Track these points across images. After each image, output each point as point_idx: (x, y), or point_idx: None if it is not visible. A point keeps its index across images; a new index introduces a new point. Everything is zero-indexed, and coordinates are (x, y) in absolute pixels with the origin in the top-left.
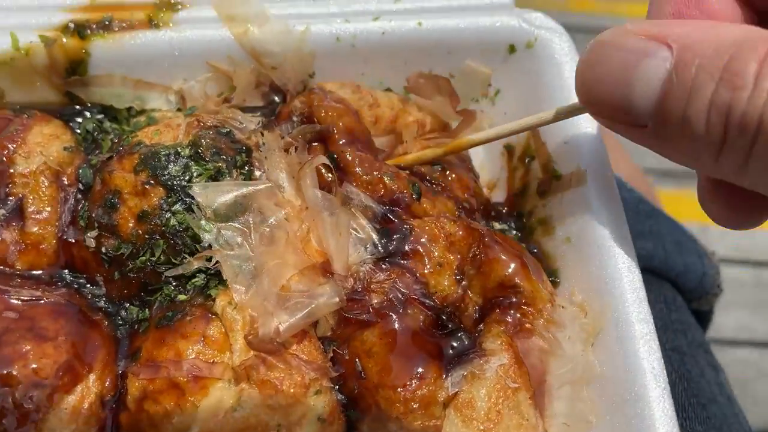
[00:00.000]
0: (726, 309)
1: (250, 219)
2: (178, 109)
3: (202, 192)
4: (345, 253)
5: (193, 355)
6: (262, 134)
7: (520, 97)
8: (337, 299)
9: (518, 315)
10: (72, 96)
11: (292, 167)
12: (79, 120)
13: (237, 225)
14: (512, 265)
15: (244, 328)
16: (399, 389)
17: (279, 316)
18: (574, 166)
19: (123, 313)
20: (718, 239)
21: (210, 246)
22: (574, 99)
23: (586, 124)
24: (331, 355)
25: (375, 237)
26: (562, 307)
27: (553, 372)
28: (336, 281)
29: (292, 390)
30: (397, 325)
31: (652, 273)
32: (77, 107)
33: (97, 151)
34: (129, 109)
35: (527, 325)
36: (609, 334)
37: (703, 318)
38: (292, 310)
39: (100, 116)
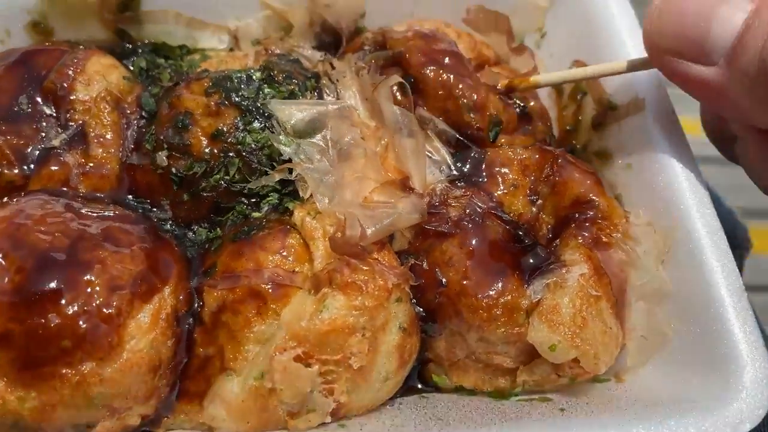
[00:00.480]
0: None
1: (328, 136)
2: (231, 49)
3: (280, 107)
4: (423, 170)
5: (273, 266)
6: (331, 64)
7: (568, 41)
8: (419, 213)
9: (595, 229)
10: (123, 34)
11: (365, 89)
12: (132, 59)
13: (316, 141)
14: (587, 182)
15: (325, 236)
16: (481, 296)
17: (364, 222)
18: (631, 96)
19: (191, 235)
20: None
21: (290, 160)
22: (626, 47)
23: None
24: (410, 266)
25: (449, 160)
26: (636, 225)
27: (632, 283)
28: (416, 196)
29: (376, 292)
30: (476, 236)
31: None
32: (128, 46)
33: (157, 83)
34: (181, 48)
35: (605, 239)
36: (679, 249)
37: None
38: (376, 218)
39: (151, 54)
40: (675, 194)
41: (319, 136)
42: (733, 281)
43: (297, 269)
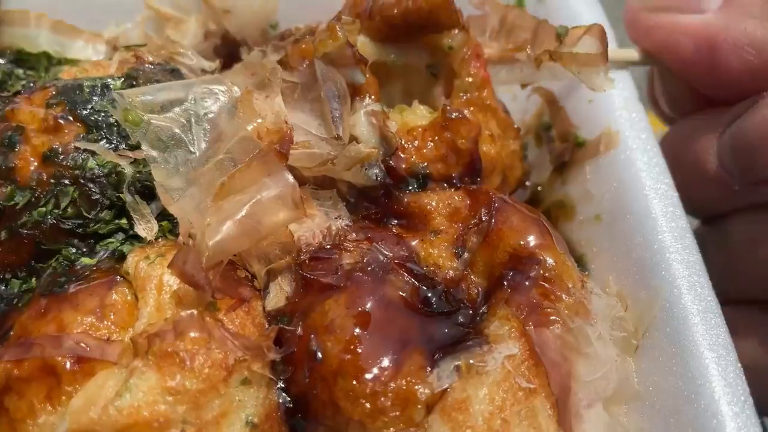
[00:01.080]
0: None
1: (192, 109)
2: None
3: (131, 90)
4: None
5: (81, 331)
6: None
7: None
8: (288, 184)
9: (535, 294)
10: None
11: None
12: None
13: (173, 115)
14: (530, 231)
15: (161, 288)
16: (366, 378)
17: (213, 223)
18: (602, 128)
19: (1, 288)
20: None
21: (139, 147)
22: None
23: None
24: (276, 333)
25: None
26: (596, 294)
27: (579, 378)
28: (288, 170)
29: (206, 370)
30: (371, 293)
31: None
32: None
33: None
34: (48, 57)
35: (547, 309)
36: (659, 334)
37: None
38: (222, 216)
39: (11, 65)
40: (655, 256)
41: (178, 109)
42: (734, 382)
43: (116, 336)
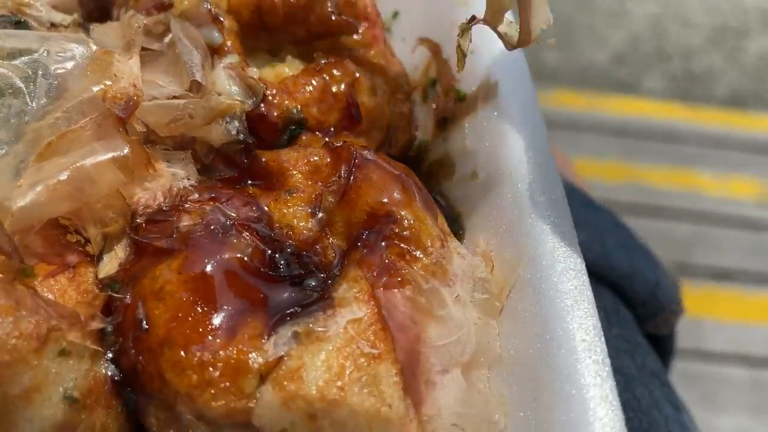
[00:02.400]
0: (722, 412)
1: (42, 60)
2: None
3: None
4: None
5: None
6: (84, 28)
7: (422, 18)
8: (119, 149)
9: (389, 254)
10: None
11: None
12: None
13: (18, 64)
14: (389, 187)
15: None
16: (193, 347)
17: (28, 185)
18: (482, 80)
19: None
20: (712, 332)
21: None
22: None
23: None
24: (106, 300)
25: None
26: (458, 254)
27: (431, 342)
28: (130, 135)
29: (12, 341)
30: (207, 256)
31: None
32: None
33: None
34: None
35: (400, 268)
36: (522, 295)
37: (662, 347)
38: (40, 177)
39: None
40: (524, 216)
41: (25, 58)
42: (596, 347)
43: None
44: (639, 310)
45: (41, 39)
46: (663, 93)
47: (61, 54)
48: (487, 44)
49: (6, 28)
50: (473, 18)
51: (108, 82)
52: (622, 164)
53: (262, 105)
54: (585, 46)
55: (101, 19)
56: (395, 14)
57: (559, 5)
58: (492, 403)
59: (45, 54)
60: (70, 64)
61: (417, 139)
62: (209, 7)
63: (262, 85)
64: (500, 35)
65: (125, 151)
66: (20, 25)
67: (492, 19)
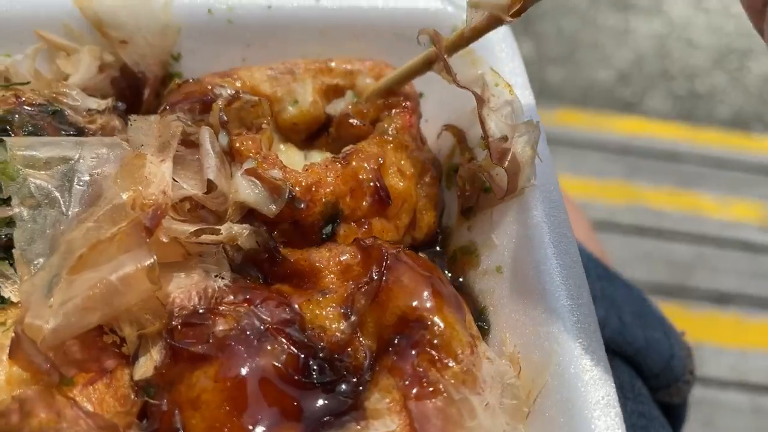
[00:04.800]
0: None
1: (75, 167)
2: None
3: (16, 139)
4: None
5: None
6: (125, 119)
7: (445, 101)
8: (145, 261)
9: (420, 361)
10: None
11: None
12: None
13: (54, 173)
14: (419, 291)
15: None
16: None
17: (58, 303)
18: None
19: None
20: (712, 358)
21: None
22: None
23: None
24: (140, 407)
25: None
26: (487, 359)
27: None
28: (151, 243)
29: None
30: (243, 363)
31: None
32: None
33: None
34: None
35: (431, 378)
36: (550, 401)
37: (675, 415)
38: (72, 293)
39: None
40: (551, 317)
41: (61, 168)
42: None
43: None
44: (653, 381)
45: (76, 145)
46: (666, 113)
47: (95, 158)
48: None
49: (41, 117)
50: (471, 160)
51: (139, 188)
52: (624, 184)
53: (301, 203)
54: (589, 65)
55: (133, 99)
56: (420, 95)
57: (564, 23)
58: None
59: (80, 161)
60: (104, 169)
61: (442, 224)
62: (223, 115)
63: (287, 183)
64: (491, 179)
65: (151, 261)
66: (57, 114)
67: (486, 167)
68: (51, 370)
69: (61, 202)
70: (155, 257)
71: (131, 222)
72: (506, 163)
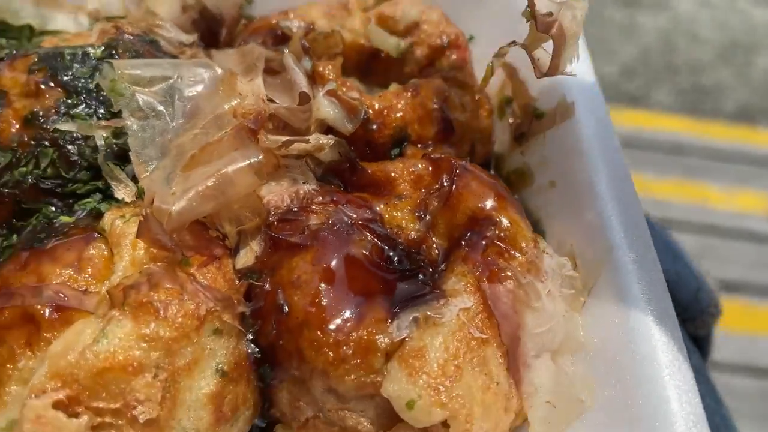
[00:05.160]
0: None
1: (175, 85)
2: None
3: (122, 60)
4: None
5: (60, 282)
6: (206, 53)
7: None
8: (255, 156)
9: (490, 252)
10: None
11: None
12: None
13: (156, 89)
14: (487, 194)
15: (136, 244)
16: (329, 329)
17: (179, 192)
18: (558, 99)
19: None
20: (720, 343)
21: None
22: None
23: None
24: (246, 287)
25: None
26: (547, 254)
27: (528, 330)
28: (255, 144)
29: (179, 319)
30: (335, 250)
31: None
32: None
33: None
34: (30, 29)
35: (501, 265)
36: (604, 290)
37: (699, 347)
38: (190, 183)
39: None
40: (604, 220)
41: (163, 85)
42: (671, 333)
43: (93, 288)
44: (682, 313)
45: (174, 66)
46: (672, 107)
47: (191, 78)
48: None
49: (140, 45)
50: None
51: (236, 100)
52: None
53: (374, 125)
54: (595, 59)
55: (210, 39)
56: (471, 38)
57: None
58: (577, 385)
59: (179, 80)
60: (200, 87)
61: (494, 152)
62: (305, 43)
63: (364, 105)
64: (533, 60)
65: (260, 157)
66: (153, 43)
67: (530, 46)
68: (175, 248)
69: (166, 115)
70: (263, 154)
71: (237, 126)
72: (553, 31)
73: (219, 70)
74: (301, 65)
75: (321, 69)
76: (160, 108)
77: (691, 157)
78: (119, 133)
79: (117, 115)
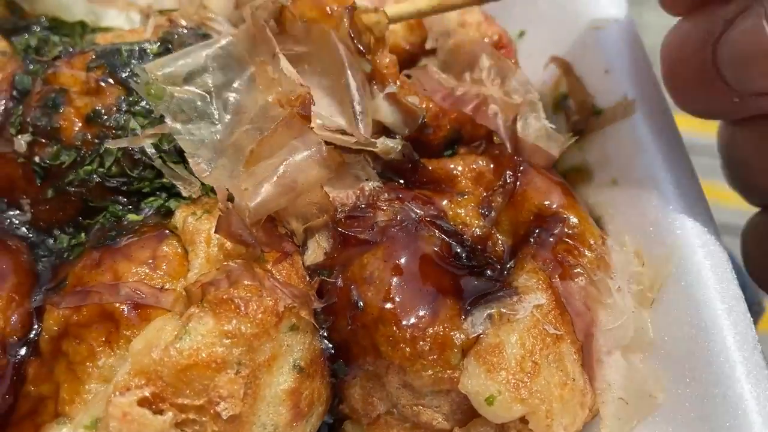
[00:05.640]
0: None
1: (210, 81)
2: None
3: (152, 63)
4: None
5: (137, 280)
6: None
7: (547, 37)
8: (317, 143)
9: (560, 249)
10: (14, 7)
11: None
12: (24, 36)
13: (194, 87)
14: (553, 191)
15: (210, 241)
16: (405, 324)
17: (248, 187)
18: (619, 96)
19: (50, 242)
20: None
21: (162, 118)
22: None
23: (629, 49)
24: (318, 284)
25: (390, 152)
26: (615, 251)
27: (601, 327)
28: (310, 131)
29: (259, 316)
30: (406, 247)
31: None
32: (22, 21)
33: (43, 62)
34: (82, 26)
35: (572, 262)
36: (674, 287)
37: None
38: (258, 177)
39: (46, 32)
40: (670, 216)
41: (198, 80)
42: (744, 330)
43: (168, 286)
44: None
45: (207, 56)
46: None
47: (224, 70)
48: (620, 63)
49: (190, 40)
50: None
51: (279, 89)
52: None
53: (430, 128)
54: None
55: None
56: (521, 33)
57: None
58: (649, 382)
59: (212, 73)
60: (237, 81)
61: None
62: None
63: (422, 111)
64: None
65: (321, 144)
66: (205, 38)
67: None
68: (255, 243)
69: (209, 114)
70: (322, 141)
71: (288, 114)
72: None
73: (248, 61)
74: (358, 64)
75: (379, 63)
76: (201, 107)
77: (698, 156)
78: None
79: (161, 119)
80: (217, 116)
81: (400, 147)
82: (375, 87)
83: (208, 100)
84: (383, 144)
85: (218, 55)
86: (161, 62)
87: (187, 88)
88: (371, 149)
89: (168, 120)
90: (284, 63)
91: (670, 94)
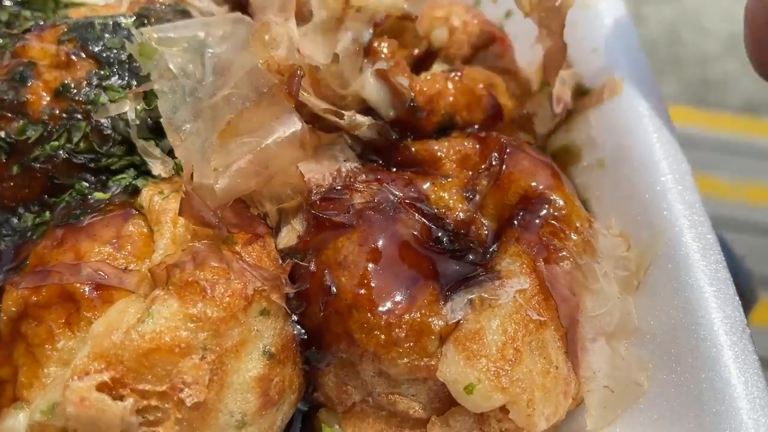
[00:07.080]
0: None
1: (207, 41)
2: None
3: (149, 27)
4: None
5: (99, 260)
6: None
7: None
8: (296, 127)
9: (545, 232)
10: None
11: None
12: None
13: (185, 47)
14: (540, 173)
15: (176, 221)
16: (380, 311)
17: (219, 165)
18: (606, 76)
19: (14, 221)
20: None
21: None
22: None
23: (618, 28)
24: (291, 268)
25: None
26: (602, 234)
27: (586, 313)
28: (296, 112)
29: (226, 299)
30: (382, 230)
31: None
32: None
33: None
34: (56, 2)
35: (557, 245)
36: (660, 271)
37: None
38: (232, 156)
39: (17, 6)
40: (658, 197)
41: (191, 44)
42: (732, 313)
43: (133, 266)
44: None
45: (203, 25)
46: (678, 98)
47: (220, 33)
48: (608, 42)
49: (172, 14)
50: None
51: (270, 51)
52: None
53: (422, 112)
54: None
55: (240, 11)
56: (508, 14)
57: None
58: (634, 368)
59: (209, 37)
60: (231, 42)
61: (538, 135)
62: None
63: (411, 94)
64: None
65: (301, 127)
66: (184, 14)
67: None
68: (220, 225)
69: (196, 73)
70: (304, 123)
71: (274, 88)
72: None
73: (251, 22)
74: (360, 34)
75: (375, 45)
76: (190, 67)
77: (697, 150)
78: (152, 103)
79: (148, 78)
80: (203, 76)
81: (368, 124)
82: (365, 61)
83: (198, 59)
84: (350, 118)
85: (220, 24)
86: (160, 27)
87: (177, 49)
88: (336, 119)
89: (154, 77)
90: (293, 23)
91: (752, 59)
